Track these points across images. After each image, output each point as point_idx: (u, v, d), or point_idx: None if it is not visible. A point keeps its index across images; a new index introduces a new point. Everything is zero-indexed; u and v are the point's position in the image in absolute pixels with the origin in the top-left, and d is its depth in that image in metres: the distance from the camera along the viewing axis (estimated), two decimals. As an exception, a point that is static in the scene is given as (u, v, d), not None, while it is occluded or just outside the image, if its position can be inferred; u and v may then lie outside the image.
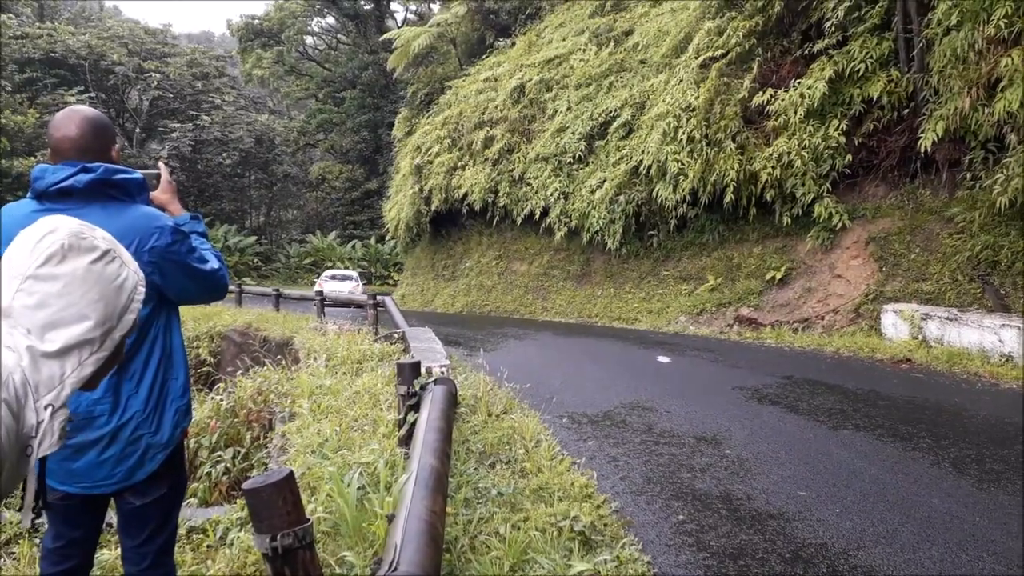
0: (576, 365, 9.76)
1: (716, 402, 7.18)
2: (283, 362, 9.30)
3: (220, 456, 7.41)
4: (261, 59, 48.95)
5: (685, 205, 15.22)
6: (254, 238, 43.42)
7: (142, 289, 1.26)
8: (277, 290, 18.01)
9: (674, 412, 6.75)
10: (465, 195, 23.26)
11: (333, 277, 27.23)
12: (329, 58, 53.91)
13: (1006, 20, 9.31)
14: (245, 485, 2.39)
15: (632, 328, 15.17)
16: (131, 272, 1.24)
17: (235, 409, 8.34)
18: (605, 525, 3.94)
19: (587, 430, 6.16)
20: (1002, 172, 9.75)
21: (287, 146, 50.98)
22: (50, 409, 1.05)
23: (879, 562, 3.57)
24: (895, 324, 10.22)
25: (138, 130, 43.26)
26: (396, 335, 9.86)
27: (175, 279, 2.42)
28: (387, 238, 33.58)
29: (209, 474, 7.16)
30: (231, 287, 18.64)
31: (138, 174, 2.43)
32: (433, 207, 25.69)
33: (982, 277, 10.22)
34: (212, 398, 8.81)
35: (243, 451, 7.50)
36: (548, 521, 3.78)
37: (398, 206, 28.59)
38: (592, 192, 17.92)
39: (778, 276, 13.62)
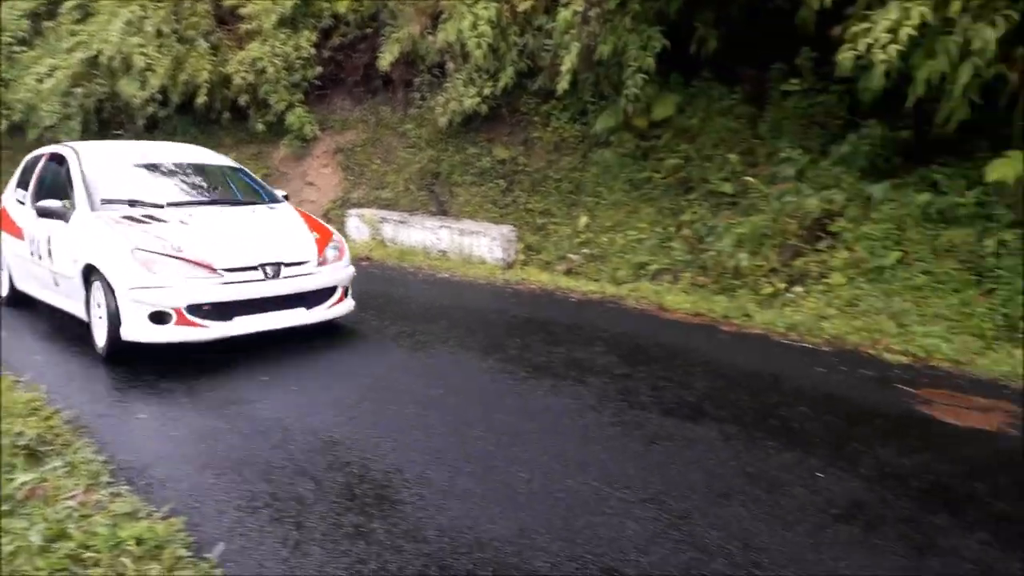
0: None
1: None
2: None
3: None
4: None
5: (155, 104, 14.17)
6: None
7: None
8: None
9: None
10: None
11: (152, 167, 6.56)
12: None
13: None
14: None
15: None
16: None
17: None
18: (56, 435, 3.74)
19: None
20: (443, 96, 11.42)
21: None
22: None
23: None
24: (358, 227, 11.37)
25: None
26: None
27: None
28: None
29: None
30: None
31: None
32: None
33: (428, 186, 11.96)
34: None
35: None
36: (-15, 443, 3.43)
37: None
38: (40, 81, 15.28)
39: (256, 183, 13.77)
